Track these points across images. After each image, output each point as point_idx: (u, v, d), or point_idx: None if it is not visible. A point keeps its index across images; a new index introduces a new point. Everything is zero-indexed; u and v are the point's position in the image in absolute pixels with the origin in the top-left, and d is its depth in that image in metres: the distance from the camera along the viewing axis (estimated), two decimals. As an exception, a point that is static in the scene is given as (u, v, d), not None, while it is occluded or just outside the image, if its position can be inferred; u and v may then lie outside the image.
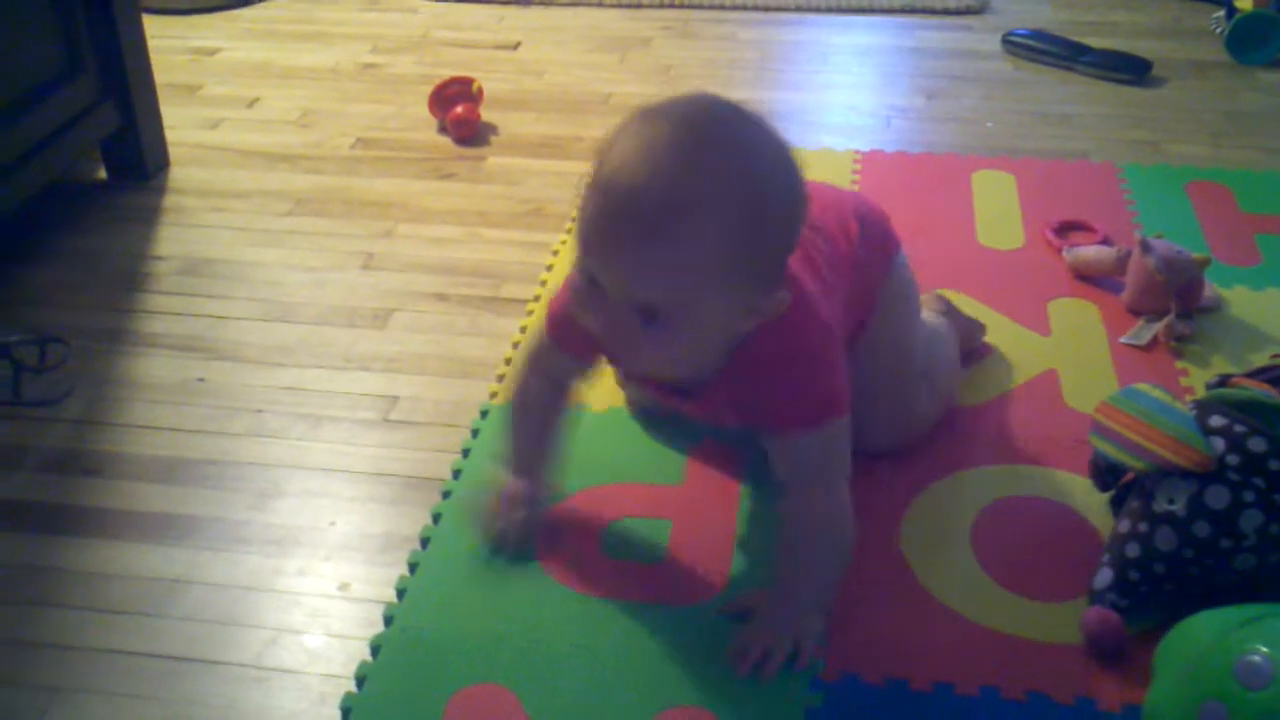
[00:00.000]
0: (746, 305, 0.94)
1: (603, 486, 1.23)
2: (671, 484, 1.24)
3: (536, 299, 1.55)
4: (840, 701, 1.01)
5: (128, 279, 1.64)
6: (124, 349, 1.49)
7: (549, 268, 1.62)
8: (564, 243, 1.67)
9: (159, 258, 1.69)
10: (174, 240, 1.73)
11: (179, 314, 1.55)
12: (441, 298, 1.58)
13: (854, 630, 1.08)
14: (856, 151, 1.92)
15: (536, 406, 1.16)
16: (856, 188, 1.79)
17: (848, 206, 1.20)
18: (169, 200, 1.83)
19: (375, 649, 1.06)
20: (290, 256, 1.68)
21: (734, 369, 1.01)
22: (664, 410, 1.27)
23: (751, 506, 1.21)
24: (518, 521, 1.14)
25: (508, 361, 1.43)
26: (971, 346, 1.40)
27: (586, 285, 0.92)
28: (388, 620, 1.09)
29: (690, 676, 1.03)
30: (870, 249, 1.19)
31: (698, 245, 0.87)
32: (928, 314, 1.35)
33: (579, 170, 1.90)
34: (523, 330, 1.48)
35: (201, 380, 1.43)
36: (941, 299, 1.41)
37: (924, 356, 1.27)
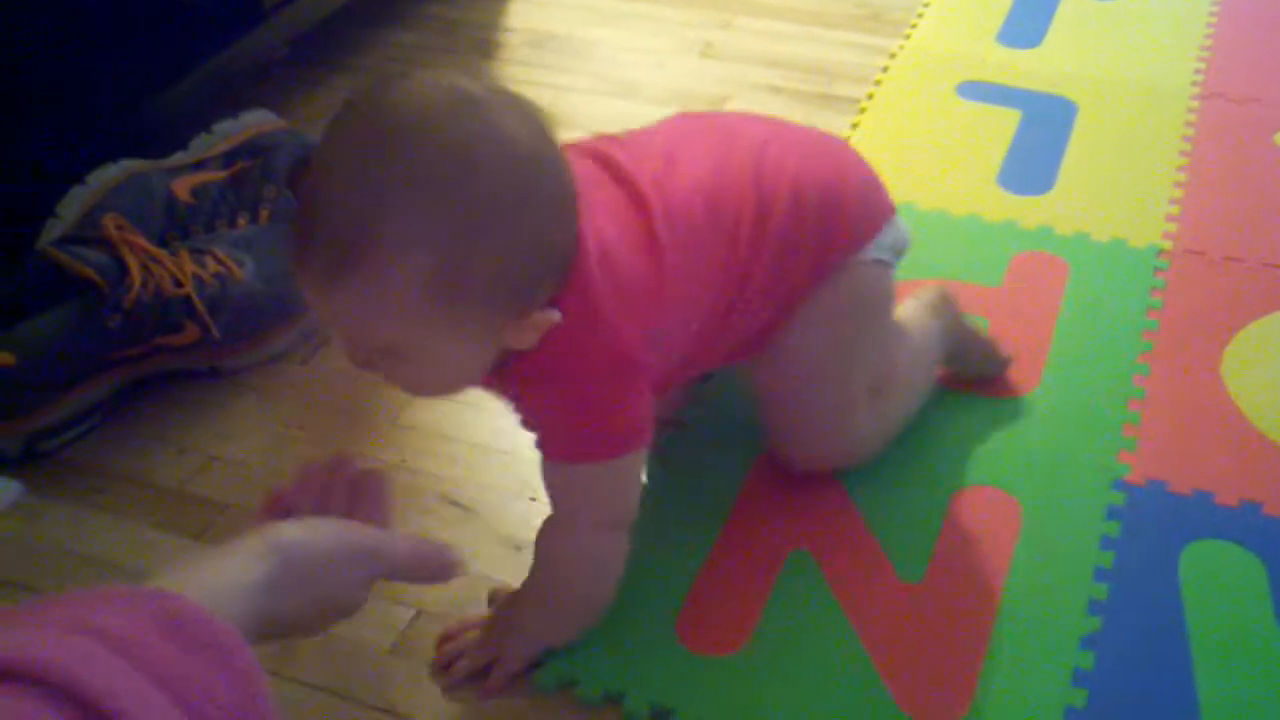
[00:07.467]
0: (491, 333, 0.79)
1: (923, 281, 1.27)
2: (991, 285, 1.26)
3: (870, 98, 1.57)
4: (1143, 504, 1.04)
5: (481, 47, 1.75)
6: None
7: (884, 69, 1.63)
8: (901, 48, 1.68)
9: (509, 29, 1.78)
10: (523, 14, 1.82)
11: (524, 82, 1.64)
12: (776, 90, 1.62)
13: (1165, 441, 1.09)
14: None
15: None
16: (1211, 29, 1.69)
17: (780, 171, 0.93)
18: (521, -24, 1.93)
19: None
20: (632, 39, 1.74)
21: (519, 366, 0.84)
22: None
23: (1068, 317, 1.22)
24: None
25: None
26: (972, 369, 1.14)
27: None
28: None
29: (998, 461, 1.07)
30: (801, 236, 0.94)
31: (386, 284, 0.73)
32: (913, 309, 1.10)
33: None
34: (853, 127, 1.51)
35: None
36: (943, 296, 1.12)
37: (877, 372, 1.02)
